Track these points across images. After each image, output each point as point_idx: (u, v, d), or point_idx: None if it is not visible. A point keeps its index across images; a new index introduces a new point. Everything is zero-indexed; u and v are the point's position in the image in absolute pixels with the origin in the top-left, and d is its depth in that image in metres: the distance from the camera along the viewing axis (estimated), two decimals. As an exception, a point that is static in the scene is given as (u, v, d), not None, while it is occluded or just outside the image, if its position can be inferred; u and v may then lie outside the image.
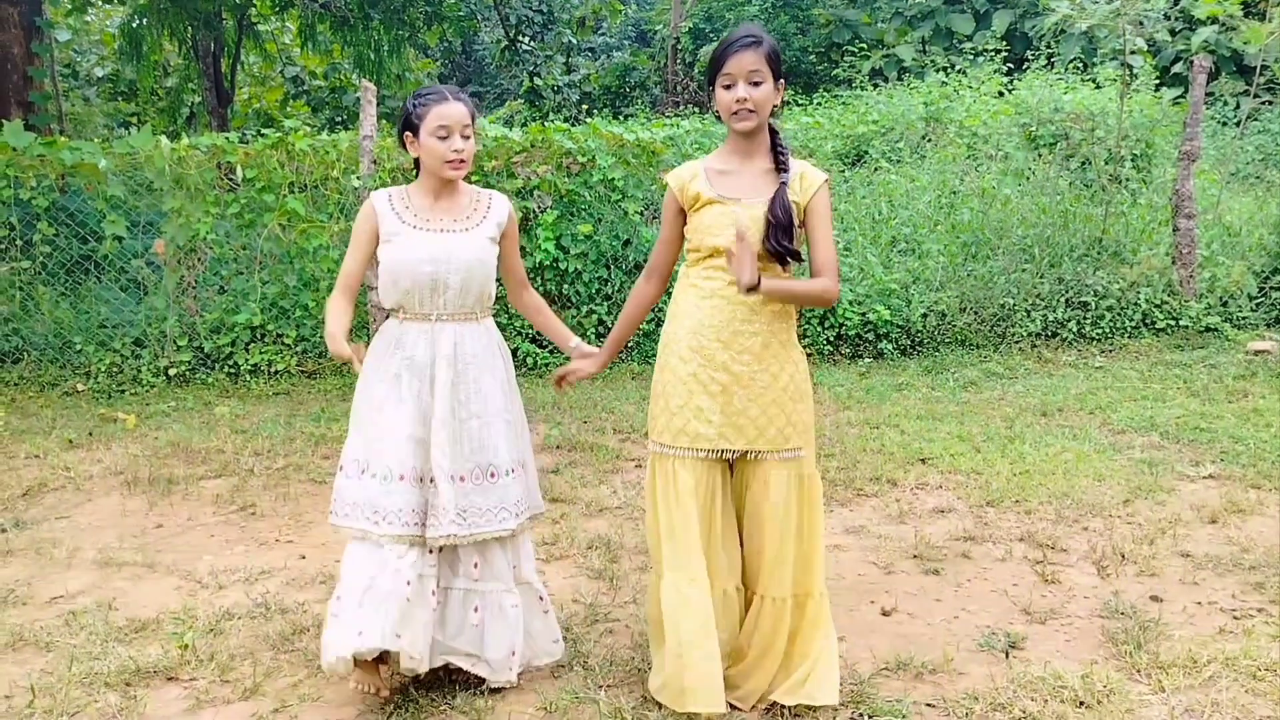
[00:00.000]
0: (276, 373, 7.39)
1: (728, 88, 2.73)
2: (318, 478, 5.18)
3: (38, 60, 11.06)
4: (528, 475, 2.99)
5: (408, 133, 2.90)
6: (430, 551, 2.84)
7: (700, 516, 2.76)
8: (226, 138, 7.48)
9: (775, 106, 2.78)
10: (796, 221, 2.76)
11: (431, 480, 2.80)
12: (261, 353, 7.39)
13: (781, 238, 2.71)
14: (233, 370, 7.42)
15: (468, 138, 2.87)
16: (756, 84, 2.71)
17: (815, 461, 2.87)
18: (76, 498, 4.99)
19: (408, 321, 2.88)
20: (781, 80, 2.78)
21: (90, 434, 6.12)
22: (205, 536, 4.42)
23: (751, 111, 2.72)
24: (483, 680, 2.92)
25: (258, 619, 3.50)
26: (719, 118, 2.81)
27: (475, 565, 2.88)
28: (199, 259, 7.53)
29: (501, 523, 2.87)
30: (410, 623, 2.74)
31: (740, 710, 2.80)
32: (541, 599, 3.02)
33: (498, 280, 3.00)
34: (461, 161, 2.87)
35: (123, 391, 7.17)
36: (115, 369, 7.35)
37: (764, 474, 2.78)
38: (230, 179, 7.48)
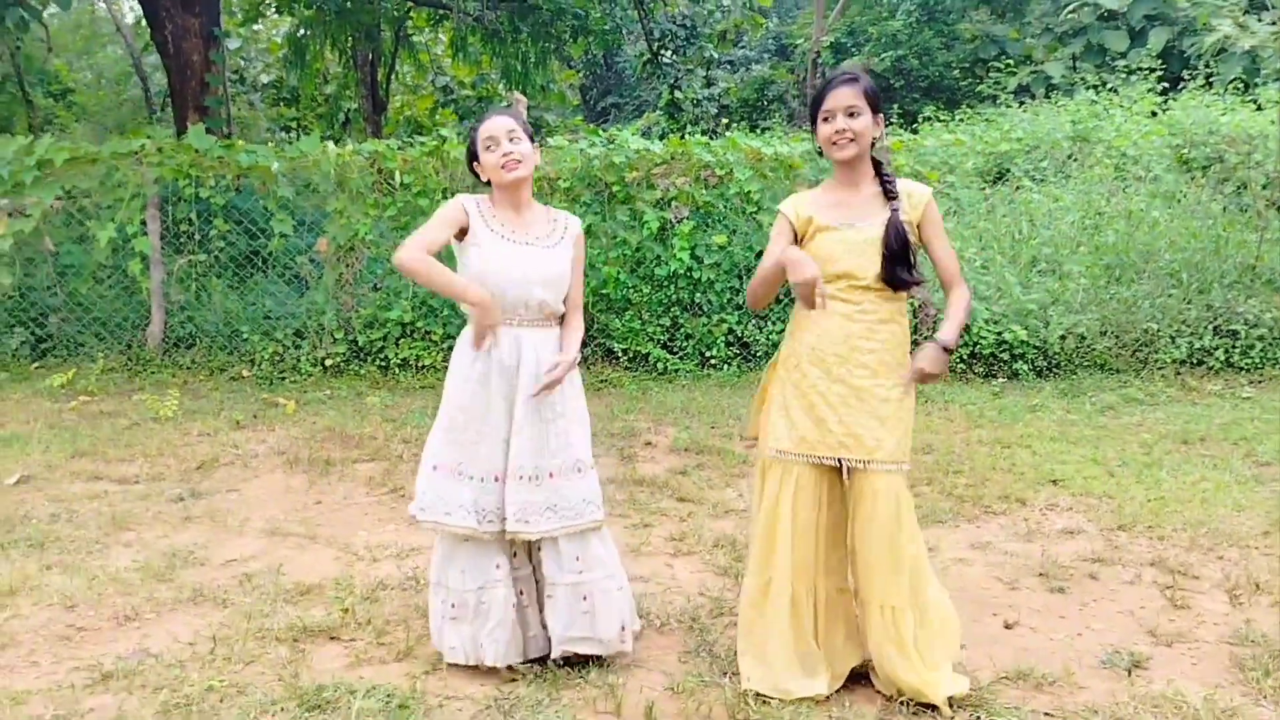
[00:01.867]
0: (423, 367, 7.80)
1: (826, 120, 2.90)
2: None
3: (214, 67, 11.86)
4: (593, 474, 3.14)
5: (474, 161, 3.11)
6: (515, 554, 3.13)
7: (809, 521, 2.94)
8: (387, 144, 7.94)
9: (875, 139, 2.93)
10: (913, 243, 2.91)
11: (521, 477, 2.99)
12: (410, 348, 7.82)
13: (899, 269, 2.87)
14: (383, 363, 7.87)
15: (516, 141, 3.02)
16: (854, 115, 2.87)
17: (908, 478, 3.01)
18: (244, 473, 5.42)
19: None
20: (880, 115, 2.92)
21: (255, 416, 6.61)
22: (360, 514, 4.76)
23: (850, 140, 2.88)
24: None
25: (408, 590, 3.79)
26: (820, 153, 2.98)
27: (577, 559, 3.07)
28: (357, 258, 8.01)
29: (592, 514, 3.07)
30: (495, 637, 3.08)
31: (858, 699, 2.92)
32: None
33: None
34: (516, 161, 3.00)
35: (283, 379, 7.69)
36: (277, 357, 7.88)
37: (873, 485, 2.90)
38: (388, 183, 7.93)
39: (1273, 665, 3.16)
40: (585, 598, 3.07)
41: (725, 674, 3.11)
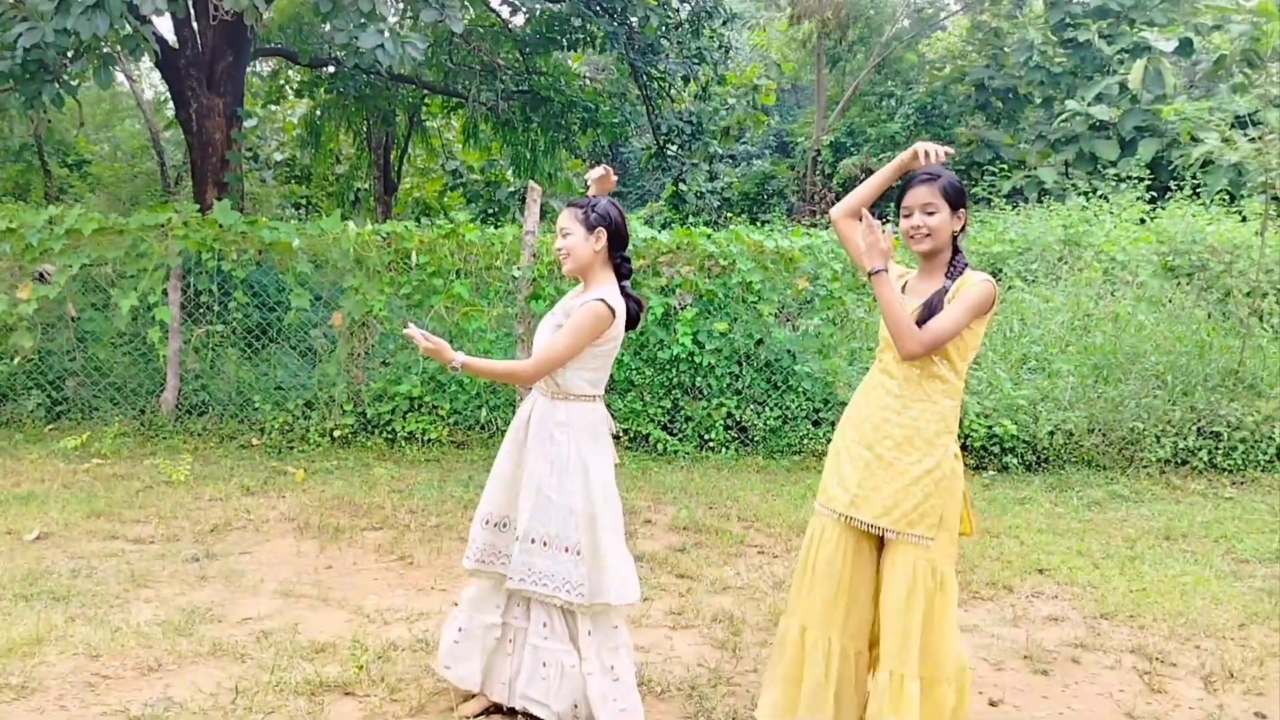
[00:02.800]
0: (429, 440, 8.01)
1: (907, 216, 3.14)
2: (466, 537, 5.62)
3: (235, 145, 12.29)
4: (593, 562, 3.25)
5: None
6: (518, 605, 3.39)
7: (829, 572, 3.13)
8: (405, 226, 8.26)
9: (955, 231, 3.13)
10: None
11: (519, 535, 3.31)
12: (418, 421, 8.04)
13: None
14: (390, 436, 8.08)
15: (566, 236, 3.33)
16: (930, 213, 3.10)
17: (951, 558, 3.11)
18: (256, 537, 5.59)
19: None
20: (962, 209, 3.13)
21: (265, 483, 6.78)
22: (370, 579, 4.92)
23: (927, 235, 3.11)
24: None
25: (419, 652, 3.95)
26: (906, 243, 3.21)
27: (544, 625, 3.31)
28: (370, 333, 8.27)
29: (563, 594, 3.23)
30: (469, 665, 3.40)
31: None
32: (613, 669, 3.30)
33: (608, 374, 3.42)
34: (564, 256, 3.35)
35: (292, 448, 7.88)
36: (287, 427, 8.08)
37: (894, 555, 3.08)
38: (404, 262, 8.23)
39: (1242, 747, 3.33)
40: (545, 664, 3.28)
41: (723, 738, 3.27)
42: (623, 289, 3.38)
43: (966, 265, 3.14)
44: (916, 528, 3.06)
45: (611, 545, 3.27)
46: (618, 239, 3.34)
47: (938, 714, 3.04)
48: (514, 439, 3.40)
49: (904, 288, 3.21)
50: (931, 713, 3.04)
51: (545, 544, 3.24)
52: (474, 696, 3.44)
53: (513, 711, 3.39)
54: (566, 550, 3.23)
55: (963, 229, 3.15)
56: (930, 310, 3.06)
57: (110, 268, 8.25)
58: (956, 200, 3.11)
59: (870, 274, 3.07)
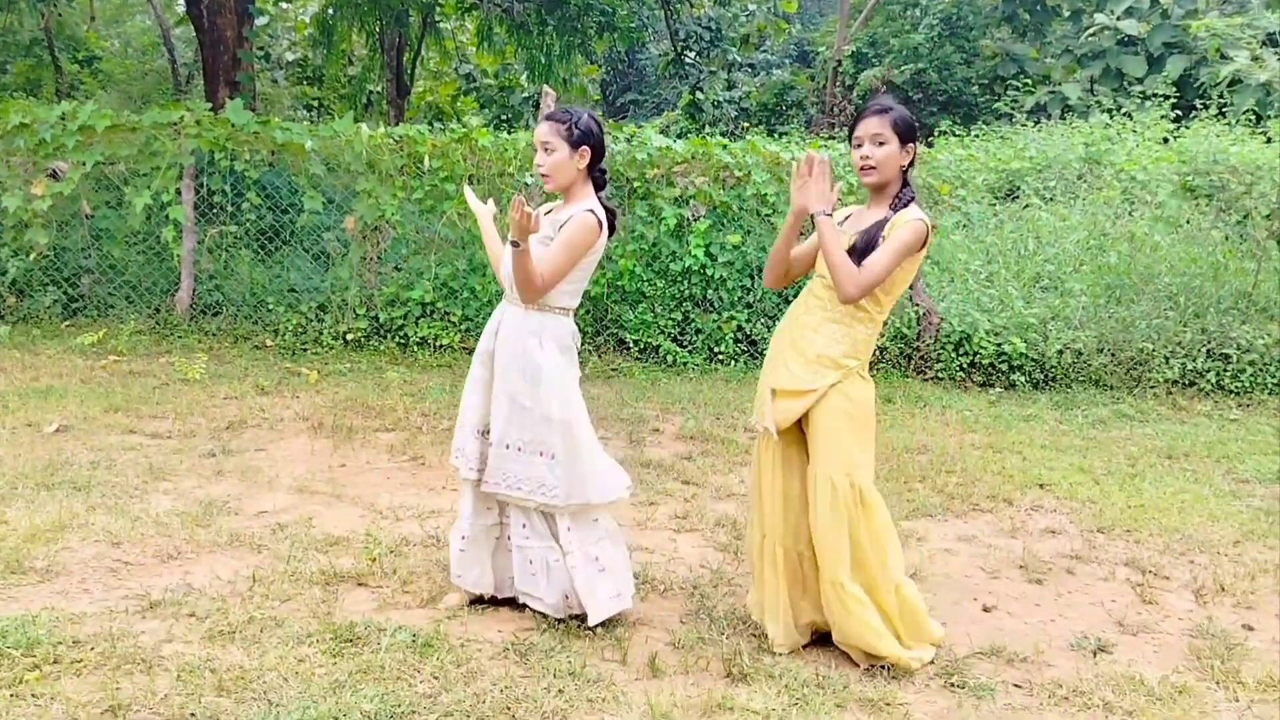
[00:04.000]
0: (442, 346, 8.08)
1: (858, 146, 3.18)
2: (477, 440, 5.76)
3: (247, 44, 12.11)
4: (571, 466, 3.31)
5: None
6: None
7: (770, 484, 3.35)
8: (418, 129, 8.20)
9: (904, 166, 3.18)
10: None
11: (494, 441, 3.37)
12: (430, 327, 8.10)
13: (856, 261, 3.13)
14: (403, 340, 8.15)
15: (549, 152, 3.32)
16: (881, 144, 3.13)
17: (869, 474, 3.23)
18: (271, 435, 5.69)
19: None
20: (911, 144, 3.17)
21: (279, 383, 6.88)
22: (382, 478, 5.03)
23: (873, 168, 3.16)
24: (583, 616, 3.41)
25: (430, 547, 4.07)
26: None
27: (523, 525, 3.39)
28: (382, 237, 8.28)
29: (540, 496, 3.30)
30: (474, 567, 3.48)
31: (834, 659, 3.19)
32: (597, 559, 3.38)
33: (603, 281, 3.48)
34: (545, 175, 3.34)
35: (305, 350, 7.96)
36: (300, 329, 8.15)
37: (814, 469, 3.22)
38: (417, 166, 8.20)
39: (1227, 655, 3.43)
40: (531, 561, 3.38)
41: (723, 633, 3.39)
42: (599, 199, 3.43)
43: (913, 198, 3.20)
44: (820, 376, 3.16)
45: (590, 448, 3.37)
46: (599, 154, 3.38)
47: (884, 619, 3.20)
48: (484, 348, 3.45)
49: (845, 218, 3.31)
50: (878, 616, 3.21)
51: (520, 449, 3.31)
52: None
53: (495, 600, 3.53)
54: (541, 455, 3.30)
55: (912, 163, 3.20)
56: (867, 239, 3.15)
57: (123, 166, 8.24)
58: (906, 134, 3.16)
59: (814, 217, 3.12)
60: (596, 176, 3.42)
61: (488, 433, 3.40)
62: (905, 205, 3.18)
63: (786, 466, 3.33)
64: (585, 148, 3.32)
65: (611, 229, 3.42)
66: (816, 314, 3.23)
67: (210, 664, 2.96)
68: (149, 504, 4.36)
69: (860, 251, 3.14)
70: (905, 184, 3.21)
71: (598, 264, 3.50)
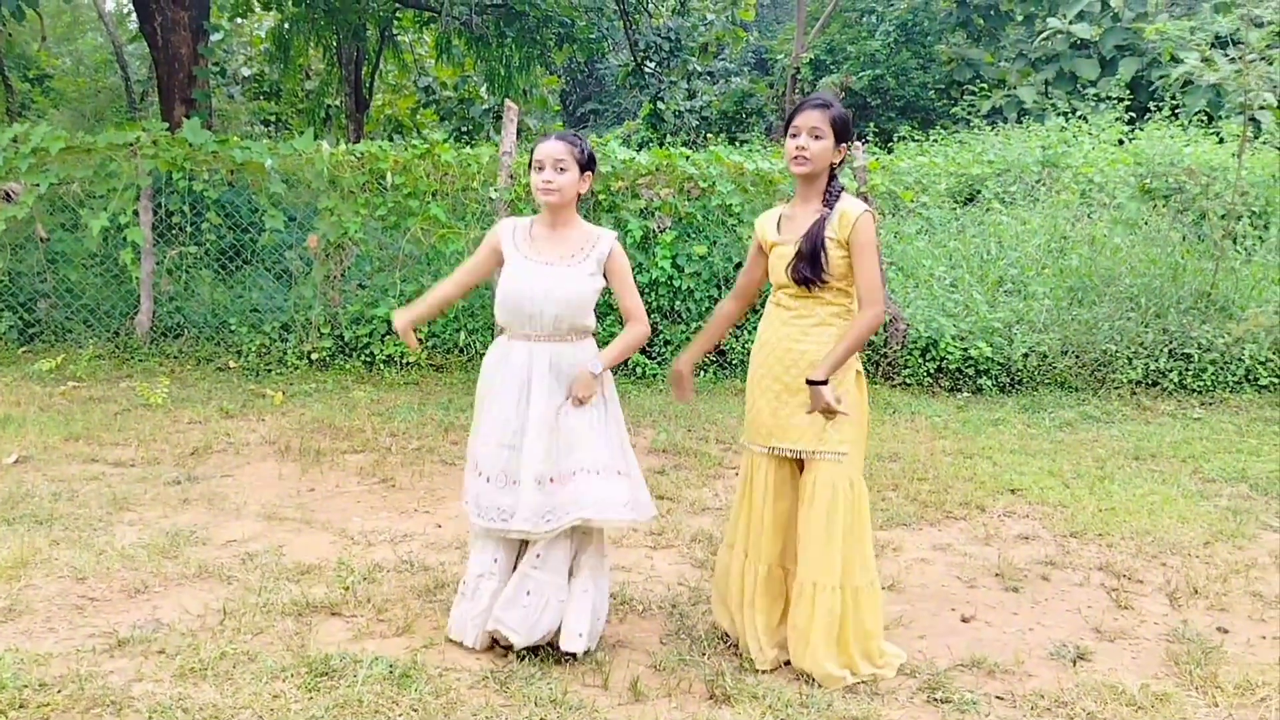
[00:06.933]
0: (408, 364, 8.00)
1: (793, 137, 3.20)
2: (448, 459, 5.71)
3: (202, 61, 11.96)
4: (636, 481, 3.33)
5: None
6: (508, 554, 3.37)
7: (769, 507, 3.31)
8: (380, 145, 8.13)
9: (835, 164, 3.22)
10: (830, 253, 3.16)
11: (516, 482, 3.23)
12: (396, 344, 8.01)
13: (802, 267, 3.17)
14: (369, 359, 8.06)
15: (561, 171, 3.26)
16: (817, 138, 3.16)
17: (861, 466, 3.29)
18: (237, 460, 5.60)
19: (513, 340, 3.32)
20: (845, 144, 3.21)
21: (243, 406, 6.77)
22: (352, 502, 4.96)
23: (807, 159, 3.18)
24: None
25: (404, 573, 4.01)
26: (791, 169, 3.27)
27: (538, 555, 3.27)
28: (345, 255, 8.19)
29: (612, 515, 3.23)
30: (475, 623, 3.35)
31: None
32: (599, 585, 3.37)
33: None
34: (550, 190, 3.26)
35: (269, 371, 7.85)
36: (264, 350, 8.04)
37: (814, 474, 3.22)
38: (379, 183, 8.12)
39: (1205, 660, 3.45)
40: (529, 593, 3.26)
41: (704, 654, 3.36)
42: None
43: (842, 190, 3.25)
44: (832, 444, 3.19)
45: (636, 464, 3.41)
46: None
47: (869, 614, 3.23)
48: (515, 387, 3.28)
49: (779, 222, 3.33)
50: (839, 613, 3.20)
51: (598, 473, 3.24)
52: None
53: None
54: (619, 474, 3.29)
55: (842, 162, 3.25)
56: (812, 241, 3.16)
57: (79, 187, 8.09)
58: (843, 132, 3.21)
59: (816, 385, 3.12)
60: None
61: (515, 482, 3.26)
62: (837, 198, 3.22)
63: (779, 487, 3.32)
64: (589, 173, 3.34)
65: None
66: (793, 324, 3.25)
67: (182, 703, 2.89)
68: (114, 536, 4.27)
69: (808, 256, 3.16)
70: (833, 178, 3.26)
71: None
